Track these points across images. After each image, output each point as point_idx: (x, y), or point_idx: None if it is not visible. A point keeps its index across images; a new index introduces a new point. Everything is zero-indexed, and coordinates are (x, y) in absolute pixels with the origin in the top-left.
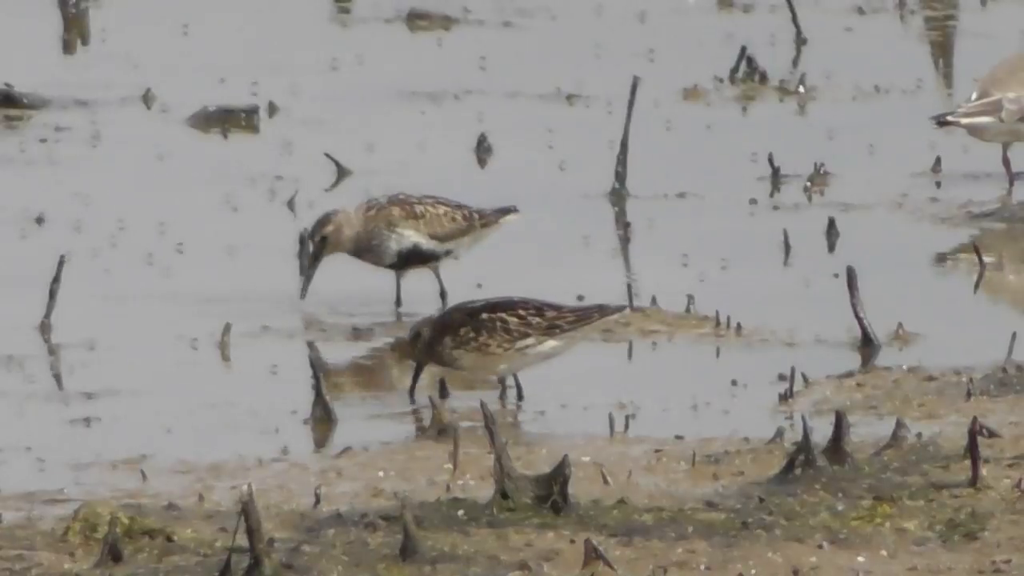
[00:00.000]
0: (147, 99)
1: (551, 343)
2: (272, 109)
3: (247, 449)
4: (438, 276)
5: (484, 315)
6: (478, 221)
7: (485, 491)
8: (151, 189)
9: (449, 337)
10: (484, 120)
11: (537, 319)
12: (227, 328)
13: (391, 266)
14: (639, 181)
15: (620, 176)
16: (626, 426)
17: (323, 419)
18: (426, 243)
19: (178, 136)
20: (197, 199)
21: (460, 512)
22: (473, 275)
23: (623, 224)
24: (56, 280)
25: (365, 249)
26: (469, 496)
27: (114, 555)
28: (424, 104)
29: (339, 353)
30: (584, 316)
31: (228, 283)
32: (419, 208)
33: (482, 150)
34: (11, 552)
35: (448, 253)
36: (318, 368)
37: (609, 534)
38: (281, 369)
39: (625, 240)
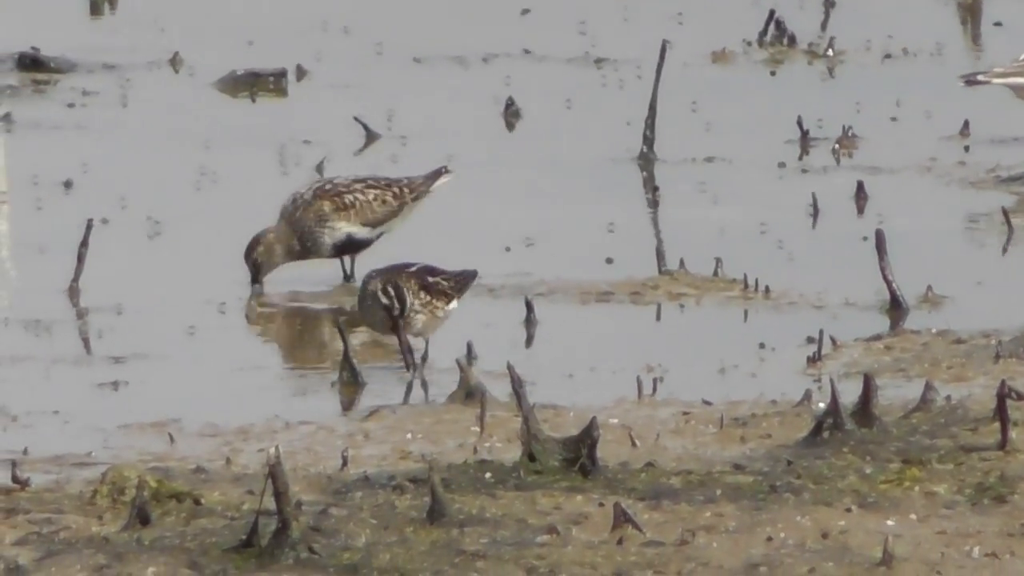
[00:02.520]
0: (175, 63)
1: (454, 304)
2: (300, 73)
3: (275, 412)
4: (352, 260)
5: (430, 278)
6: (409, 196)
7: (513, 454)
8: (179, 153)
9: (415, 299)
10: (512, 84)
11: (448, 283)
12: (255, 291)
13: (330, 257)
14: (667, 145)
15: (648, 140)
16: (654, 389)
17: (350, 382)
18: (359, 232)
19: (206, 100)
20: (225, 163)
21: (488, 475)
22: (499, 241)
23: (651, 188)
24: (84, 244)
25: (302, 252)
26: (497, 459)
27: (142, 518)
28: (452, 68)
29: None
30: (465, 280)
31: None
32: (348, 198)
33: (510, 114)
34: (39, 515)
35: (381, 235)
36: (345, 331)
37: (637, 497)
38: (308, 332)
39: (653, 204)
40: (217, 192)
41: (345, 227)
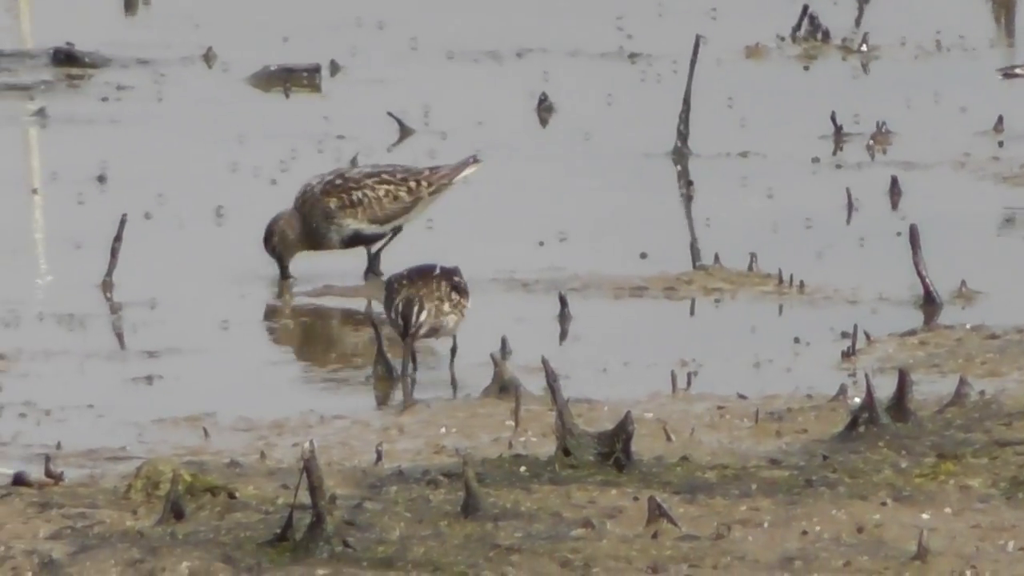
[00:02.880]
0: (208, 58)
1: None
2: (334, 68)
3: (309, 406)
4: (375, 252)
5: (456, 278)
6: (426, 189)
7: (547, 448)
8: (213, 148)
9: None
10: (546, 79)
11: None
12: (289, 286)
13: (342, 249)
14: (701, 140)
15: (682, 135)
16: (689, 383)
17: (385, 376)
18: (367, 228)
19: (239, 95)
20: (259, 158)
21: (522, 469)
22: (533, 235)
23: (685, 182)
24: (118, 239)
25: (312, 244)
26: (531, 453)
27: (176, 512)
28: (486, 63)
29: None
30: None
31: None
32: (357, 194)
33: (543, 109)
34: (73, 510)
35: (397, 230)
36: (379, 325)
37: (672, 491)
38: (342, 326)
39: (687, 198)
40: (250, 187)
41: (352, 224)
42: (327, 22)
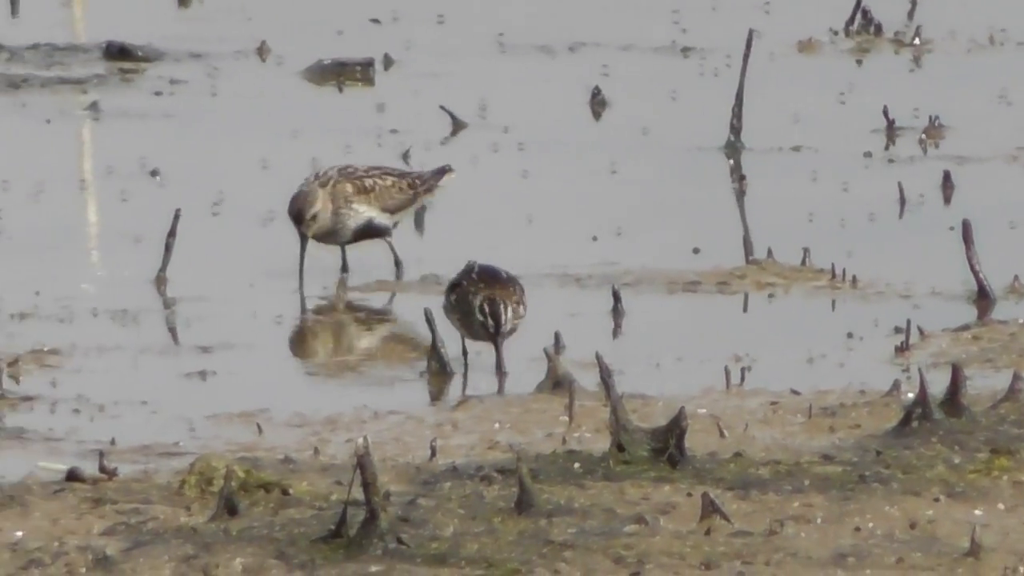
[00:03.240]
0: (261, 52)
1: None
2: (388, 62)
3: (363, 402)
4: (392, 247)
5: (515, 287)
6: (421, 188)
7: (601, 444)
8: (266, 142)
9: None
10: (599, 73)
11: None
12: (342, 282)
13: (346, 243)
14: (754, 134)
15: (735, 129)
16: (742, 378)
17: (439, 372)
18: (378, 217)
19: (293, 89)
20: (312, 152)
21: (576, 465)
22: (586, 230)
23: (738, 177)
24: (172, 234)
25: (331, 230)
26: (585, 449)
27: (230, 508)
28: (539, 57)
29: None
30: None
31: None
32: (368, 181)
33: (596, 103)
34: (127, 505)
35: (396, 225)
36: (433, 321)
37: (726, 487)
38: (396, 322)
39: (740, 193)
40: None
41: (366, 211)
42: (383, 16)
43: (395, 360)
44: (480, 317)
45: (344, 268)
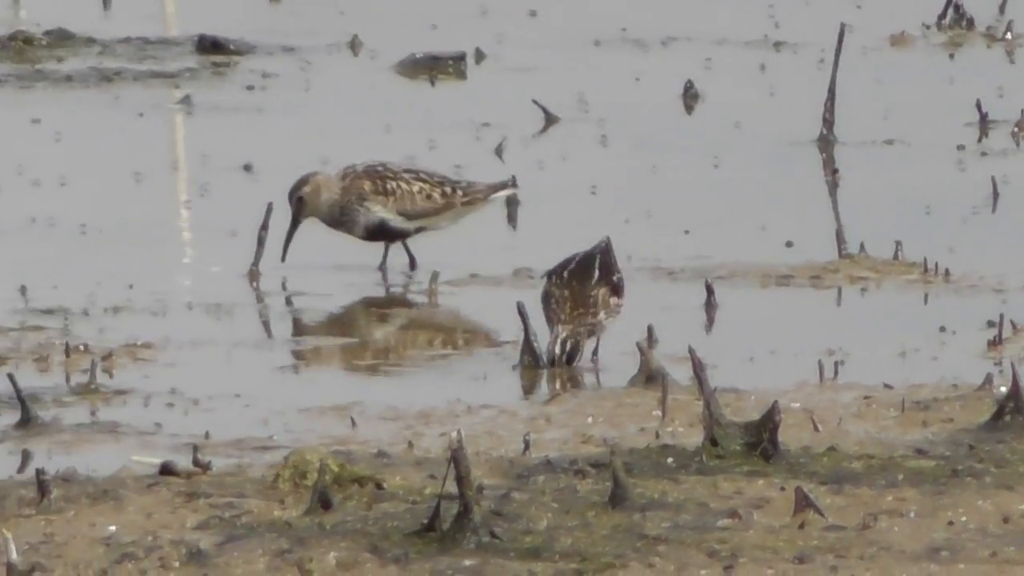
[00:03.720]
0: (354, 45)
1: None
2: (479, 56)
3: (456, 395)
4: (406, 246)
5: (615, 277)
6: (460, 199)
7: (694, 438)
8: (358, 135)
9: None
10: (692, 67)
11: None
12: (435, 276)
13: (363, 239)
14: (847, 128)
15: (828, 123)
16: (835, 373)
17: (531, 365)
18: (394, 220)
19: (385, 83)
20: (404, 146)
21: (669, 459)
22: (678, 224)
23: (831, 170)
24: (264, 227)
25: (337, 220)
26: (678, 443)
27: (323, 502)
28: (632, 51)
29: None
30: None
31: (436, 231)
32: (391, 184)
33: (689, 96)
34: (221, 499)
35: (420, 230)
36: (526, 314)
37: (819, 481)
38: (489, 316)
39: (833, 186)
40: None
41: (380, 211)
42: (476, 9)
43: (488, 354)
44: (556, 350)
45: (412, 265)
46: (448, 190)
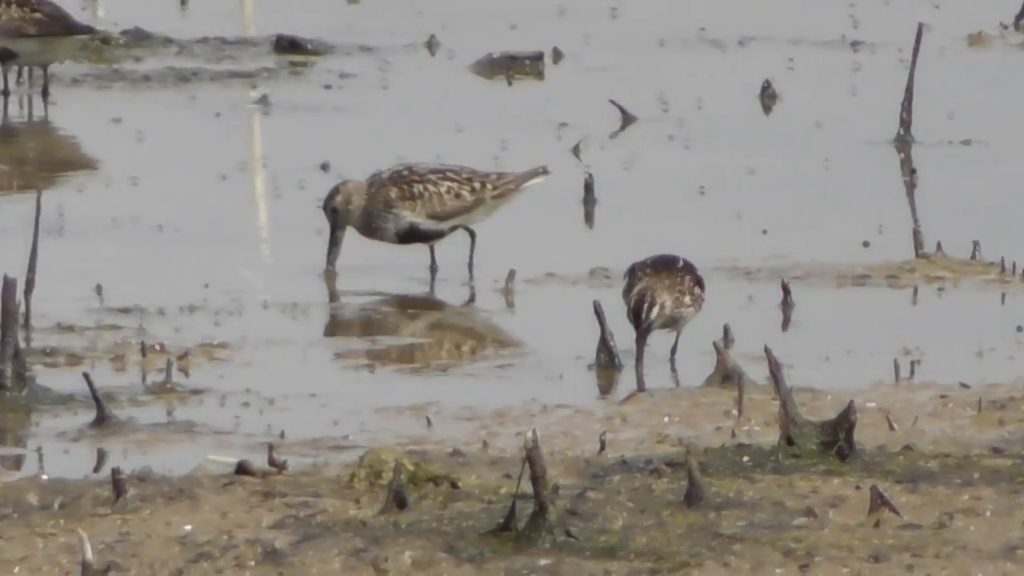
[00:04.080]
0: (431, 45)
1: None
2: (557, 56)
3: (531, 395)
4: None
5: (697, 271)
6: (490, 192)
7: (770, 437)
8: (436, 135)
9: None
10: (769, 67)
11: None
12: (511, 275)
13: (397, 244)
14: (924, 128)
15: (905, 123)
16: (911, 372)
17: (607, 365)
18: (424, 223)
19: (463, 82)
20: (481, 145)
21: (745, 458)
22: (756, 223)
23: (908, 171)
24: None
25: (369, 228)
26: (754, 442)
27: (399, 502)
28: (709, 51)
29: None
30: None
31: (513, 229)
32: (417, 188)
33: (767, 96)
34: (296, 499)
35: (454, 228)
36: (602, 313)
37: (895, 480)
38: (565, 315)
39: (910, 186)
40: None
41: (409, 216)
42: (555, 9)
43: (564, 353)
44: (627, 307)
45: (433, 266)
46: (477, 185)
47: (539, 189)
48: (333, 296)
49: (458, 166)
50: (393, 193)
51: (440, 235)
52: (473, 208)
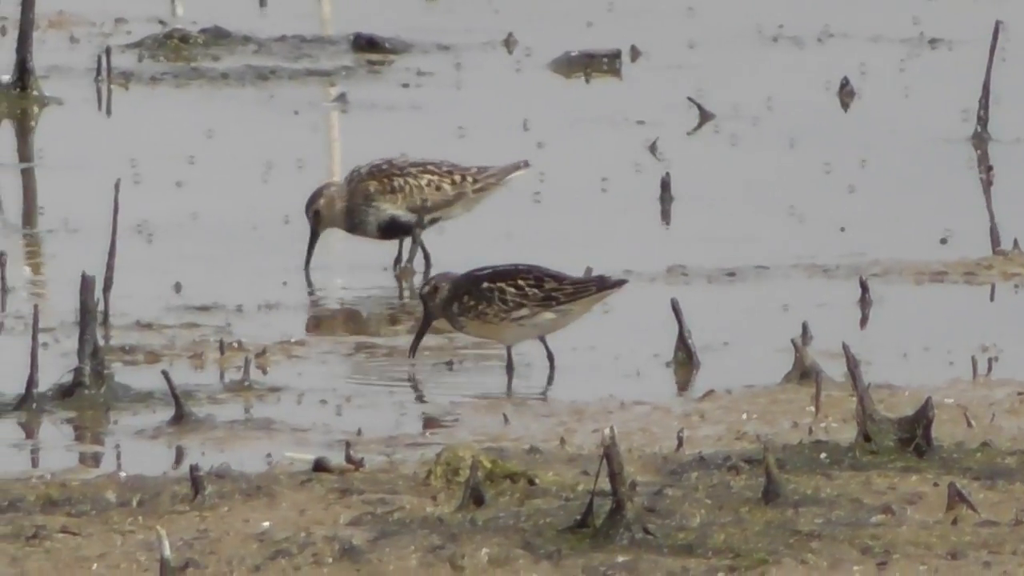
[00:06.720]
0: (508, 43)
1: (547, 315)
2: (635, 53)
3: (609, 391)
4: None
5: (485, 284)
6: (471, 186)
7: (848, 434)
8: (515, 133)
9: (457, 302)
10: (847, 64)
11: (534, 290)
12: (588, 272)
13: (379, 238)
14: (1001, 125)
15: (982, 119)
16: (989, 368)
17: (685, 362)
18: (404, 215)
19: (540, 80)
20: (560, 143)
21: (822, 455)
22: (834, 221)
23: (985, 167)
24: (419, 225)
25: (352, 224)
26: (831, 439)
27: (476, 499)
28: (788, 48)
29: (701, 296)
30: (582, 289)
31: (591, 225)
32: (398, 181)
33: (845, 93)
34: (373, 496)
35: (435, 221)
36: (680, 311)
37: (972, 477)
38: (643, 312)
39: (987, 183)
40: (549, 171)
41: (389, 209)
42: (631, 7)
43: (641, 350)
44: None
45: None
46: (458, 179)
47: (613, 186)
48: (412, 295)
49: (440, 161)
50: (373, 187)
51: (414, 228)
52: (454, 201)
